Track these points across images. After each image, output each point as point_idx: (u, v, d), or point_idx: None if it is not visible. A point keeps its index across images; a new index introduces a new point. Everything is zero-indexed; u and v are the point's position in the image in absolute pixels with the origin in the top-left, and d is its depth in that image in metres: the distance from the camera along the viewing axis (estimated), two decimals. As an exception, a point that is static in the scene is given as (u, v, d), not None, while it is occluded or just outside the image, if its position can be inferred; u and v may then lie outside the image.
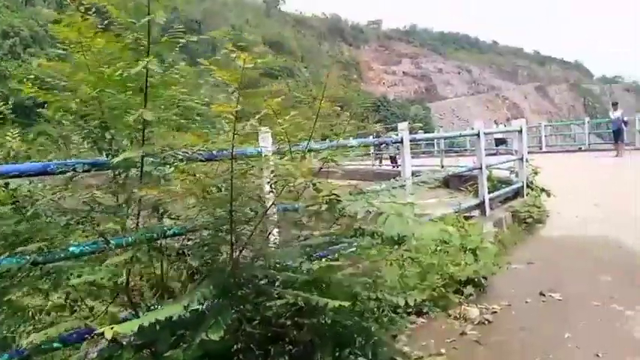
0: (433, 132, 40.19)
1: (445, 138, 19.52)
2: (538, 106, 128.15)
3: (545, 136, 24.70)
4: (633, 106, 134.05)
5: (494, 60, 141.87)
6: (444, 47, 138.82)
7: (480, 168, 7.49)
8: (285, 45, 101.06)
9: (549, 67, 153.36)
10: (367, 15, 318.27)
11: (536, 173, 9.54)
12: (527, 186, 9.18)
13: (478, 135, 7.47)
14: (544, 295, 5.13)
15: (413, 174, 15.83)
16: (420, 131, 30.92)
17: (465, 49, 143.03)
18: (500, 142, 25.03)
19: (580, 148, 23.43)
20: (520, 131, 9.14)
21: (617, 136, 20.07)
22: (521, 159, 9.06)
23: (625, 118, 20.26)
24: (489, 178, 9.39)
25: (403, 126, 5.91)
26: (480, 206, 7.52)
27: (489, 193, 7.93)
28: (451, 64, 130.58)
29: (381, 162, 21.86)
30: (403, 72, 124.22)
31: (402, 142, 5.83)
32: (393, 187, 6.28)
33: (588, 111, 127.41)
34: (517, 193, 9.12)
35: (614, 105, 21.82)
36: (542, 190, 9.30)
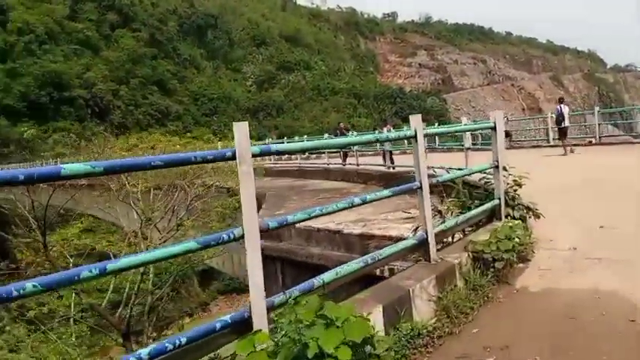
0: (446, 125, 35.52)
1: (342, 146, 14.62)
2: (553, 95, 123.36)
3: (552, 127, 21.28)
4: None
5: (508, 50, 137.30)
6: (458, 38, 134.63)
7: (420, 187, 4.69)
8: (301, 38, 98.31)
9: (563, 56, 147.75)
10: (382, 7, 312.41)
11: (519, 185, 6.68)
12: (507, 204, 6.34)
13: (415, 137, 4.64)
14: None
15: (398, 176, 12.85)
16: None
17: (479, 40, 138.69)
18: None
19: (590, 142, 20.09)
20: (494, 128, 6.26)
21: (562, 133, 17.89)
22: (497, 167, 6.20)
23: (564, 112, 17.73)
24: (457, 191, 6.58)
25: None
26: (422, 247, 4.72)
27: (441, 220, 5.14)
28: (466, 55, 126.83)
29: (345, 159, 18.32)
30: (419, 64, 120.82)
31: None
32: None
33: (603, 100, 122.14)
34: (492, 215, 6.30)
35: (560, 100, 19.24)
36: (528, 209, 6.45)
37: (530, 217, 6.48)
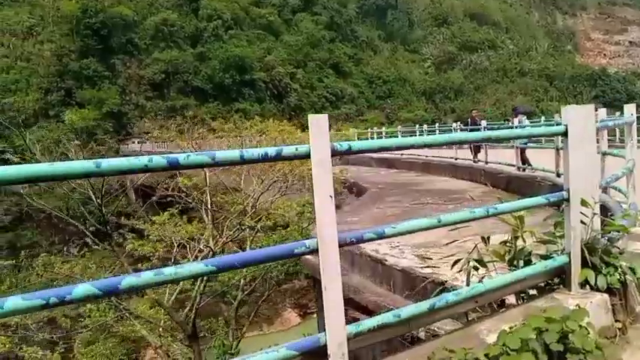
0: None
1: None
2: None
3: None
4: None
5: None
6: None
7: (316, 249, 2.53)
8: (488, 16, 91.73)
9: None
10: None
11: (624, 230, 3.92)
12: (585, 263, 3.69)
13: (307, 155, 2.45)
14: None
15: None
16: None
17: None
18: None
19: None
20: (565, 134, 3.62)
21: None
22: (566, 199, 3.60)
23: None
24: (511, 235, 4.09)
25: None
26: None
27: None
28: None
29: (476, 154, 14.78)
30: (629, 41, 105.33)
31: None
32: None
33: None
34: (562, 277, 3.74)
35: None
36: (634, 269, 3.73)
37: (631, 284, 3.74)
